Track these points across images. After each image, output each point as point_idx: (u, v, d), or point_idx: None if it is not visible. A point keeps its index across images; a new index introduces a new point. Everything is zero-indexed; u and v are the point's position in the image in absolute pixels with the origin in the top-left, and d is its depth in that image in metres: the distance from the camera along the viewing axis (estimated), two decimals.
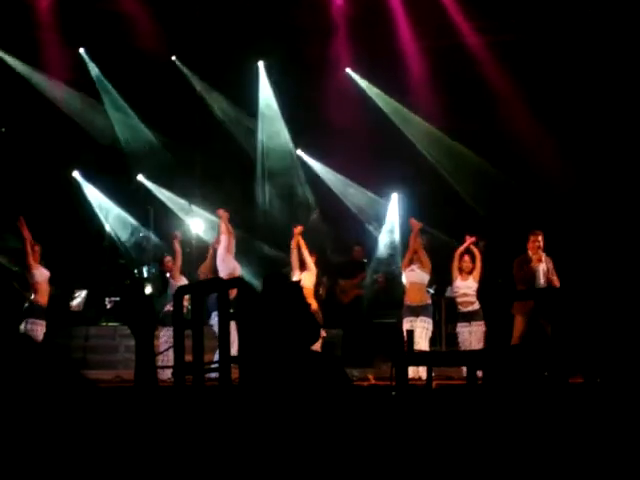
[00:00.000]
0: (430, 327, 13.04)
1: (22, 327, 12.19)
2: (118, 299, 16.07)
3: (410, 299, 13.12)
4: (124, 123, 18.41)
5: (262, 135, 18.54)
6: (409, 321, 12.93)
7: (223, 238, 13.36)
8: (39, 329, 12.65)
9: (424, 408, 7.23)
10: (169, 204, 18.16)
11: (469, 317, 13.13)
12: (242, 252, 14.71)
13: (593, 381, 7.59)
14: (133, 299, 6.99)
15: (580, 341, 8.34)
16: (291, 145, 18.50)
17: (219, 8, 16.64)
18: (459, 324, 13.14)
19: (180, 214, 17.97)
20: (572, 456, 5.60)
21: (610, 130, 15.49)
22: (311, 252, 13.46)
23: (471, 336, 13.07)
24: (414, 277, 13.14)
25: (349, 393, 5.93)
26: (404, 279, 13.24)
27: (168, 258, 13.83)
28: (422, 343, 12.68)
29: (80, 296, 15.27)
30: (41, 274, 12.95)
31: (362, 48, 17.32)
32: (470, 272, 13.19)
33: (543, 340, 11.99)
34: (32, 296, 12.73)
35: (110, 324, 15.61)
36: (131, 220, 18.01)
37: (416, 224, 13.43)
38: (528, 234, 12.60)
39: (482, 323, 13.05)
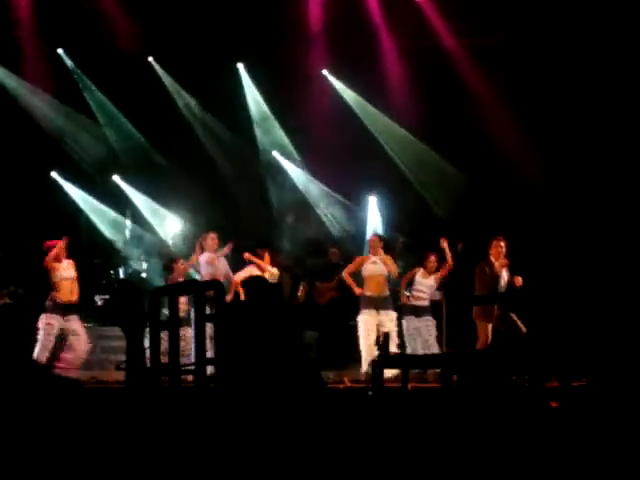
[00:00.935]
0: (395, 321, 13.02)
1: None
2: (108, 297, 16.03)
3: (370, 290, 13.06)
4: (109, 123, 18.44)
5: (260, 137, 18.62)
6: (367, 313, 12.92)
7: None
8: (55, 324, 12.63)
9: (400, 410, 7.26)
10: (141, 207, 18.12)
11: (419, 312, 13.31)
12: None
13: (566, 384, 7.65)
14: (125, 298, 6.99)
15: (552, 343, 8.41)
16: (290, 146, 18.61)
17: (195, 10, 16.57)
18: (406, 316, 13.26)
19: (151, 218, 17.96)
20: (547, 458, 5.65)
21: (591, 134, 15.54)
22: (261, 252, 13.71)
23: (419, 330, 13.23)
24: (374, 270, 13.13)
25: (323, 397, 5.95)
26: (363, 272, 13.21)
27: (181, 261, 13.73)
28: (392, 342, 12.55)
29: None
30: (61, 274, 12.88)
31: (340, 50, 17.32)
32: (433, 272, 13.33)
33: (507, 343, 12.13)
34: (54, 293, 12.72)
35: (87, 325, 15.54)
36: (122, 220, 18.00)
37: None
38: (491, 239, 12.73)
39: (430, 319, 13.27)
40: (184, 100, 18.47)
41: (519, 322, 12.35)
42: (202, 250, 13.39)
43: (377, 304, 13.00)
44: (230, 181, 18.48)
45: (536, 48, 16.01)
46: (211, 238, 13.44)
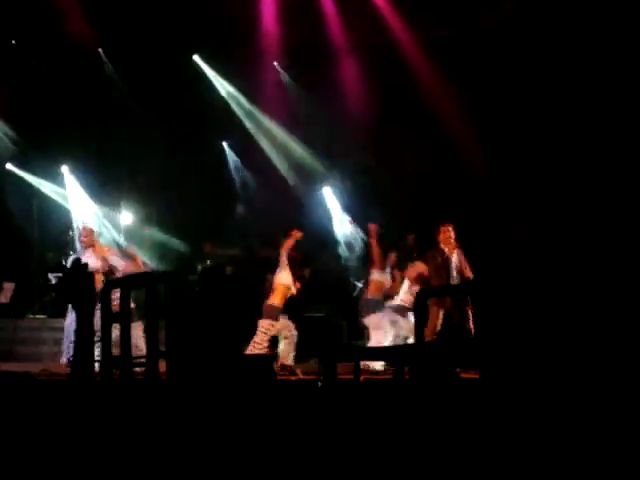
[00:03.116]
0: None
1: None
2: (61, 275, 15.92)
3: (371, 293, 13.10)
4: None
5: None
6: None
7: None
8: None
9: (350, 402, 7.34)
10: (55, 197, 17.95)
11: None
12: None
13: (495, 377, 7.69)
14: (75, 277, 6.98)
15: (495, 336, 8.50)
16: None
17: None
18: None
19: (68, 206, 17.80)
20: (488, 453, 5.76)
21: (543, 128, 15.60)
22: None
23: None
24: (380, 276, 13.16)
25: (273, 389, 6.02)
26: (374, 276, 13.16)
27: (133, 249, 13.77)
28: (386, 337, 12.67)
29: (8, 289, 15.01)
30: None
31: (291, 42, 17.32)
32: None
33: (455, 332, 12.23)
34: None
35: (39, 316, 15.48)
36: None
37: (373, 227, 13.49)
38: (438, 226, 12.77)
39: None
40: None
41: (470, 316, 12.39)
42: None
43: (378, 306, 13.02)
44: (180, 171, 18.44)
45: (488, 41, 16.08)
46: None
